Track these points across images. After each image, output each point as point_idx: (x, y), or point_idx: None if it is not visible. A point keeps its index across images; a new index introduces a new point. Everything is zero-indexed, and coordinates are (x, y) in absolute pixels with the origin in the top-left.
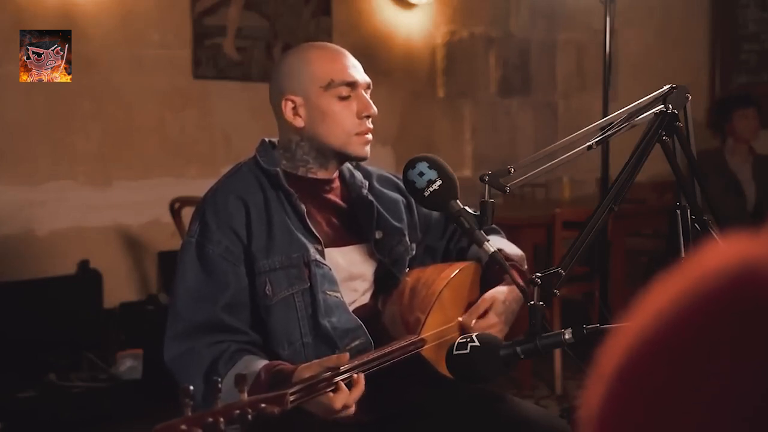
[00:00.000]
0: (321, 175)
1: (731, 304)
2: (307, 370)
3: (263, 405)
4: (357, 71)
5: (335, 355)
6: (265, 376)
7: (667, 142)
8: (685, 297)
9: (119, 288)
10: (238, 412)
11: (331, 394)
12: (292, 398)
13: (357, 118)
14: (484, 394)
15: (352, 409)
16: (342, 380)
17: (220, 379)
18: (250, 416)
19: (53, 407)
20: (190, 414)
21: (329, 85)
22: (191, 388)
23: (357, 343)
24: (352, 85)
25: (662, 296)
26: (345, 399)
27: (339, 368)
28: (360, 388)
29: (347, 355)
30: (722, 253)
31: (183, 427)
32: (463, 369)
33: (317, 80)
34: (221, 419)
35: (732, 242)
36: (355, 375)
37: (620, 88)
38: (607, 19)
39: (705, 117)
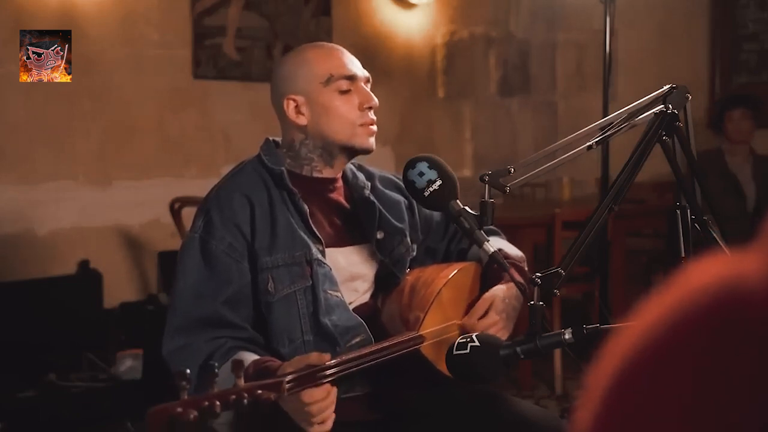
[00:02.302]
0: (326, 173)
1: (715, 322)
2: (290, 366)
3: (259, 391)
4: (355, 65)
5: (315, 354)
6: (252, 370)
7: (667, 142)
8: (669, 316)
9: (119, 288)
10: (234, 397)
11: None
12: (288, 386)
13: (359, 110)
14: (483, 394)
15: (329, 424)
16: (337, 372)
17: (216, 365)
18: (245, 401)
19: (53, 407)
20: (186, 397)
21: (329, 80)
22: (188, 371)
23: (358, 340)
24: (352, 78)
25: (648, 314)
26: (322, 395)
27: (328, 363)
28: (332, 398)
29: (328, 355)
30: (707, 270)
31: (179, 409)
32: (463, 369)
33: (317, 77)
34: (217, 403)
35: (718, 259)
36: (329, 385)
37: (620, 88)
38: (607, 19)
39: (705, 117)
